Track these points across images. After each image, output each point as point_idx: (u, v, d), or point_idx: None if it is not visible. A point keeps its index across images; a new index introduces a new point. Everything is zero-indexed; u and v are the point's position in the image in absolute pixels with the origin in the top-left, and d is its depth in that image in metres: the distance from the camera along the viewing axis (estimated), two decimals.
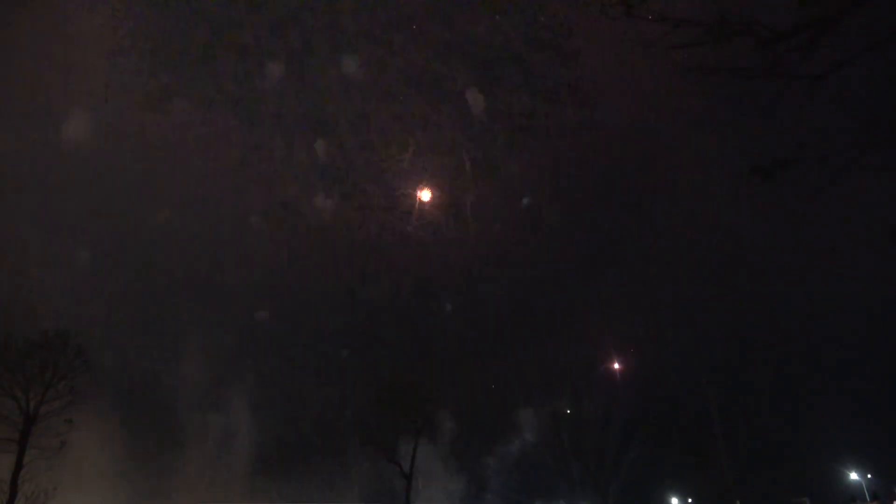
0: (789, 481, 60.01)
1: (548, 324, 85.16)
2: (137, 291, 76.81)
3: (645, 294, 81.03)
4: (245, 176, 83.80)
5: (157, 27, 78.48)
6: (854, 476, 62.43)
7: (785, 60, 9.88)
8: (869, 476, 62.77)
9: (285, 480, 71.48)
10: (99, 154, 74.76)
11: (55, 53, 74.32)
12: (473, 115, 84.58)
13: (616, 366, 73.45)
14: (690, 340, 72.10)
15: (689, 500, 69.74)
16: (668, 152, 78.01)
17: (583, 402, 66.68)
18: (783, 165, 9.34)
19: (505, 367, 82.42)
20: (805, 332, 69.16)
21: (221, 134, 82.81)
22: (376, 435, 58.60)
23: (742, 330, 72.34)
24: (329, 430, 76.80)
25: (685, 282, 77.19)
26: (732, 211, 73.16)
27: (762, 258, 74.94)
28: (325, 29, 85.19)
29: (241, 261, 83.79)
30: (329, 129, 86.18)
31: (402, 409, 57.97)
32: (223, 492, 67.62)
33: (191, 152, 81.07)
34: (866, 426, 60.47)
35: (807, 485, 61.04)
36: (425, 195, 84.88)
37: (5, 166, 69.36)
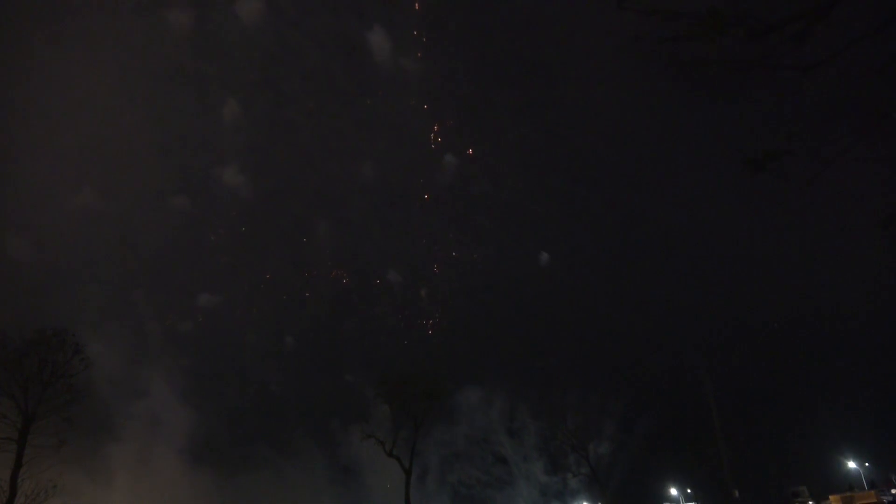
0: (787, 470, 60.38)
1: (547, 319, 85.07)
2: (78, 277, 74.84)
3: (637, 287, 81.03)
4: (157, 143, 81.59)
5: None
6: (852, 465, 62.67)
7: (775, 52, 9.84)
8: (867, 464, 62.99)
9: (230, 472, 70.25)
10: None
11: None
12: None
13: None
14: (687, 332, 72.24)
15: (689, 491, 70.00)
16: (657, 145, 78.03)
17: (582, 396, 66.78)
18: (774, 157, 9.32)
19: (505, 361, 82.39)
20: (803, 323, 69.32)
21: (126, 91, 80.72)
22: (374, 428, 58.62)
23: (740, 321, 72.50)
24: (275, 418, 75.97)
25: (680, 274, 77.23)
26: (724, 201, 73.28)
27: (756, 248, 75.03)
28: None
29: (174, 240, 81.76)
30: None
31: (401, 402, 57.89)
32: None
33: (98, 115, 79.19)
34: (864, 415, 60.74)
35: (805, 473, 61.46)
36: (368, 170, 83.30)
37: None
